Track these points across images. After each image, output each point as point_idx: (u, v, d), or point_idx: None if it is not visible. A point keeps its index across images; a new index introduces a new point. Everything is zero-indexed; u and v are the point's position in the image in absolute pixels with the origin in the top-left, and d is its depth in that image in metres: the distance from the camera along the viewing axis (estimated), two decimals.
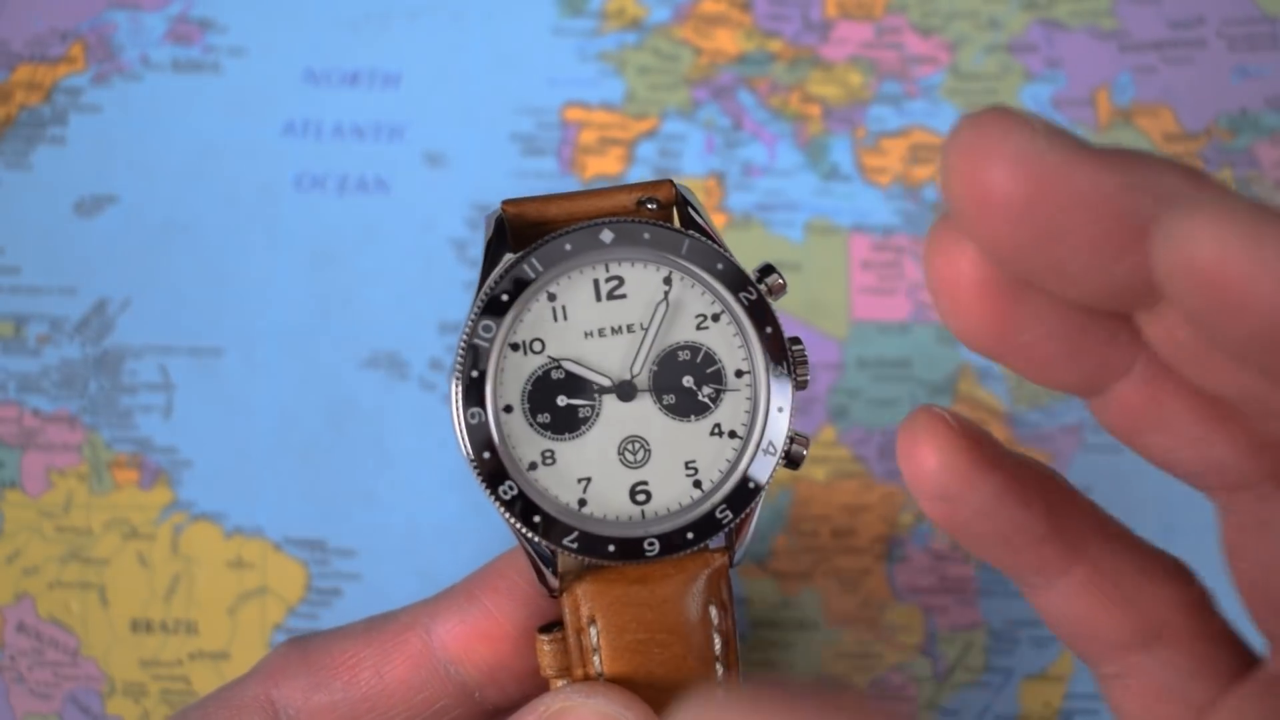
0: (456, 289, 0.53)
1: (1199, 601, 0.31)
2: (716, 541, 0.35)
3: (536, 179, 0.53)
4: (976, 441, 0.28)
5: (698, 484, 0.36)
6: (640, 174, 0.53)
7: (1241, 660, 0.31)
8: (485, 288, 0.35)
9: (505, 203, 0.36)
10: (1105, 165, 0.22)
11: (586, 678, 0.35)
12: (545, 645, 0.35)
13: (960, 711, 0.51)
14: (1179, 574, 0.31)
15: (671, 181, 0.37)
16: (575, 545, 0.34)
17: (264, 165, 0.53)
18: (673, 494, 0.35)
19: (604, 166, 0.53)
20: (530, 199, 0.36)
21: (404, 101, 0.54)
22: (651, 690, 0.34)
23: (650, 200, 0.36)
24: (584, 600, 0.35)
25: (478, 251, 0.53)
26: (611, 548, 0.35)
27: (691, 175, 0.53)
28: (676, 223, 0.37)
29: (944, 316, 0.25)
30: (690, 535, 0.35)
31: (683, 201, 0.36)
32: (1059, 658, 0.51)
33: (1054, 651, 0.51)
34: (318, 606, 0.51)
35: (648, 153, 0.53)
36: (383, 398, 0.52)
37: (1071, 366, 0.26)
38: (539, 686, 0.36)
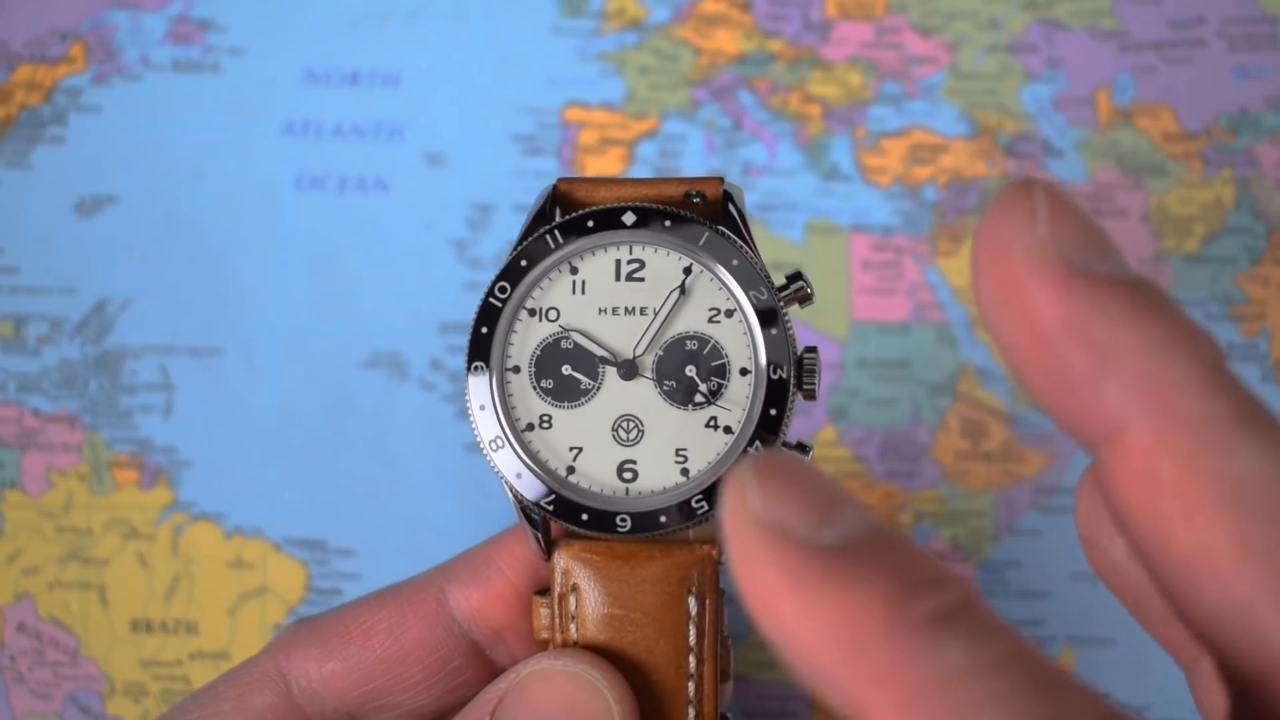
0: (456, 289, 0.52)
1: None
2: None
3: (536, 179, 0.53)
4: None
5: (685, 471, 0.36)
6: (640, 174, 0.53)
7: None
8: (511, 253, 0.36)
9: (560, 180, 0.37)
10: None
11: (564, 643, 0.36)
12: (540, 607, 0.37)
13: None
14: None
15: (721, 179, 0.37)
16: (550, 508, 0.36)
17: (264, 165, 0.53)
18: (658, 477, 0.36)
19: (604, 166, 0.53)
20: (582, 179, 0.38)
21: (404, 101, 0.54)
22: (623, 663, 0.35)
23: (697, 194, 0.37)
24: (570, 567, 0.36)
25: (478, 251, 0.53)
26: (585, 516, 0.36)
27: (691, 175, 0.53)
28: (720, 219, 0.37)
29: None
30: (662, 519, 0.35)
31: (727, 198, 0.37)
32: (1058, 658, 0.51)
33: (1054, 651, 0.51)
34: (318, 607, 0.51)
35: (648, 153, 0.53)
36: (383, 398, 0.52)
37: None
38: (541, 648, 0.37)
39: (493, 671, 0.39)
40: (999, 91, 0.54)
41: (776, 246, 0.53)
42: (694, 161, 0.53)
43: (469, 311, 0.37)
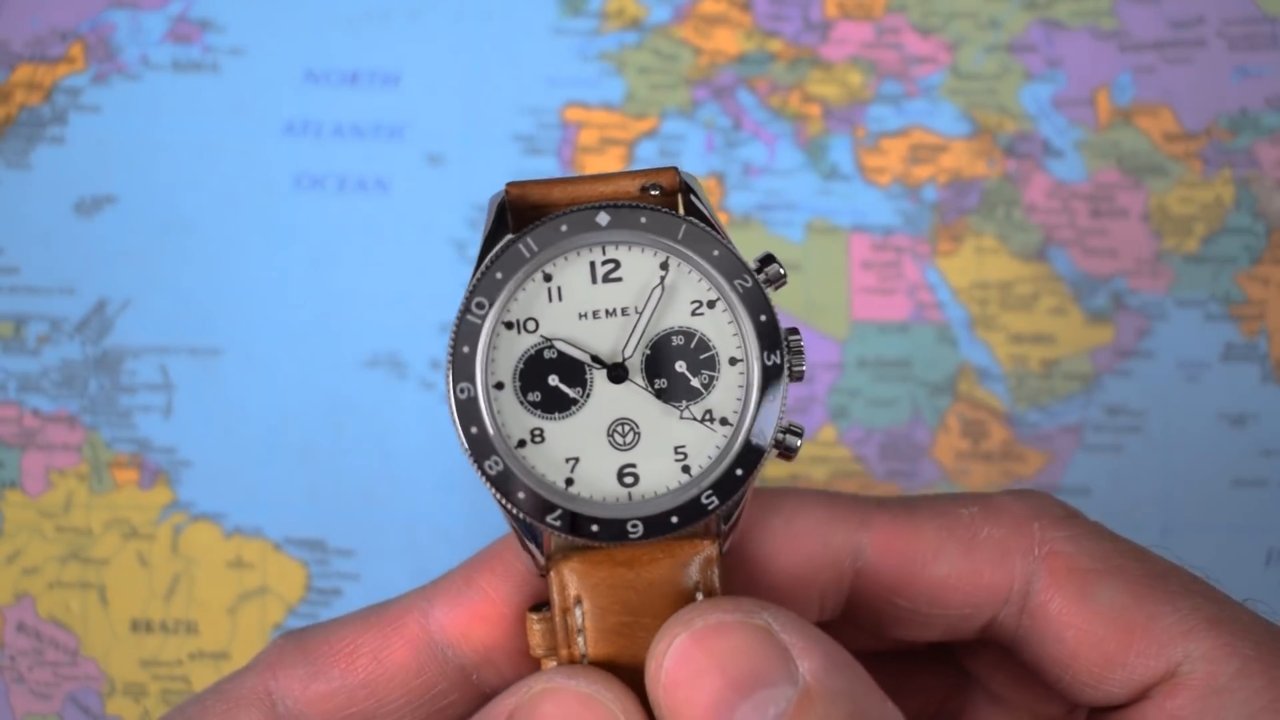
0: (456, 289, 0.52)
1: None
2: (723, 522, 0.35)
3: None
4: None
5: (686, 469, 0.35)
6: None
7: None
8: (481, 266, 0.35)
9: (509, 184, 0.36)
10: None
11: (571, 659, 0.35)
12: (535, 624, 0.36)
13: None
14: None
15: (675, 168, 0.37)
16: (559, 524, 0.35)
17: (264, 165, 0.53)
18: (660, 478, 0.35)
19: (604, 166, 0.53)
20: (534, 182, 0.36)
21: (404, 101, 0.54)
22: (635, 674, 0.34)
23: (654, 186, 0.36)
24: (570, 580, 0.35)
25: (478, 251, 0.53)
26: (595, 528, 0.35)
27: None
28: (680, 210, 0.37)
29: None
30: (675, 519, 0.35)
31: (686, 188, 0.36)
32: None
33: None
34: (318, 606, 0.51)
35: (648, 152, 0.53)
36: (383, 398, 0.52)
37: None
38: (533, 667, 0.37)
39: (481, 696, 0.38)
40: (999, 91, 0.54)
41: (776, 246, 0.53)
42: (694, 161, 0.53)
43: None
